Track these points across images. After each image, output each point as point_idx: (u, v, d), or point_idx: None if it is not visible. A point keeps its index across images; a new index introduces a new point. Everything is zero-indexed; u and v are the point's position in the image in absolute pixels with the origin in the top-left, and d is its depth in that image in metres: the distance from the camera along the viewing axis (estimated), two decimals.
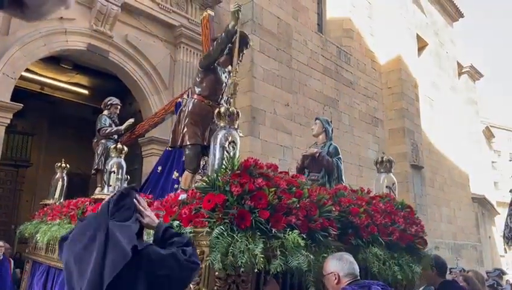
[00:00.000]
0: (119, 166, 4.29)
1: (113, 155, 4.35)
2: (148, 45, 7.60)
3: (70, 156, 11.27)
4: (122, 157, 4.42)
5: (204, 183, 2.44)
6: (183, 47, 7.95)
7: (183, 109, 3.82)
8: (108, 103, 5.90)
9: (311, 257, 2.34)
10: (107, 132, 5.55)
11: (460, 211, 15.73)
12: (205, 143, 3.65)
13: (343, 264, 2.25)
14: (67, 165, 5.90)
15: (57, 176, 5.81)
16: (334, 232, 2.67)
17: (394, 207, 3.48)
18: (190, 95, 3.94)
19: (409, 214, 3.58)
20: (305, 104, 9.99)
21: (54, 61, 7.77)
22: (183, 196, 2.66)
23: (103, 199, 3.71)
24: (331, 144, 4.57)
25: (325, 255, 2.48)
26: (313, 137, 4.79)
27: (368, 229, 3.03)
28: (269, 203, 2.34)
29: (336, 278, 2.22)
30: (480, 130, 21.68)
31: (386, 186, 4.01)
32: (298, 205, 2.49)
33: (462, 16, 18.32)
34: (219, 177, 2.39)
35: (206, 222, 2.27)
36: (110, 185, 4.14)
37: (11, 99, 6.07)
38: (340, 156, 4.54)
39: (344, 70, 11.53)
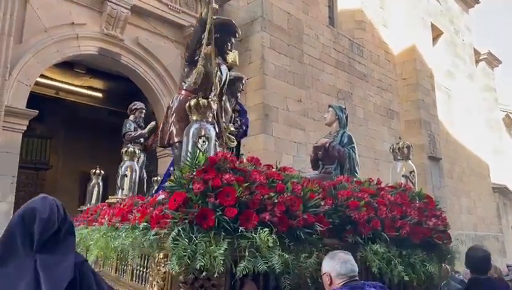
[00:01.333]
0: (132, 169, 4.33)
1: (125, 159, 4.40)
2: (159, 46, 7.64)
3: (87, 156, 11.49)
4: (135, 160, 4.47)
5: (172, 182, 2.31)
6: None
7: (170, 105, 3.65)
8: (133, 107, 6.08)
9: (286, 257, 2.16)
10: (131, 136, 5.72)
11: (480, 201, 15.45)
12: None
13: (335, 264, 2.09)
14: (102, 171, 5.79)
15: (93, 182, 5.72)
16: (321, 229, 2.46)
17: (409, 198, 3.17)
18: (177, 91, 3.77)
19: (427, 206, 3.23)
20: (318, 99, 9.91)
21: (68, 66, 7.89)
22: (161, 197, 2.56)
23: (115, 203, 3.77)
24: (344, 133, 4.28)
25: (306, 254, 2.31)
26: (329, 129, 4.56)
27: (370, 224, 2.76)
28: (238, 199, 2.18)
29: (328, 279, 2.09)
30: (500, 117, 21.17)
31: (403, 175, 3.72)
32: (276, 201, 2.30)
33: (477, 1, 17.88)
34: (183, 175, 2.26)
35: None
36: (123, 189, 4.18)
37: (28, 105, 6.19)
38: (354, 145, 4.24)
39: (357, 63, 11.40)
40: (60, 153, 12.44)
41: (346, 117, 4.44)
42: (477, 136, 16.30)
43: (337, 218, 2.69)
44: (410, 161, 3.84)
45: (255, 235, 2.12)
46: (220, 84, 3.74)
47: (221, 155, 2.36)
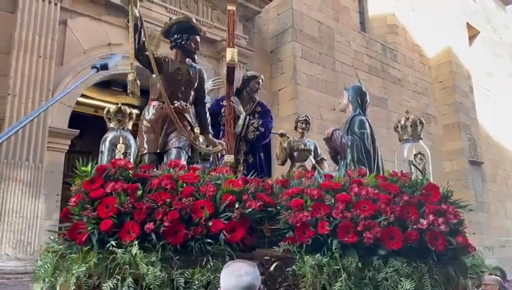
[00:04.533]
0: None
1: None
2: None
3: None
4: None
5: None
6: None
7: (141, 117, 3.50)
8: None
9: (158, 274, 1.88)
10: None
11: None
12: (158, 150, 3.29)
13: (222, 277, 1.62)
14: None
15: None
16: (226, 237, 2.07)
17: (399, 190, 2.40)
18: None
19: (428, 198, 2.37)
20: None
21: (105, 85, 8.12)
22: None
23: None
24: (353, 117, 3.58)
25: (200, 269, 1.98)
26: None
27: (316, 228, 2.18)
28: (119, 210, 2.03)
29: None
30: None
31: (406, 160, 2.95)
32: (170, 209, 2.05)
33: None
34: (72, 187, 2.18)
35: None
36: None
37: (69, 124, 6.41)
38: (364, 130, 3.48)
39: (391, 68, 11.20)
40: None
41: (362, 98, 3.70)
42: None
43: (283, 223, 2.27)
44: (421, 141, 3.03)
45: (118, 250, 1.92)
46: (191, 88, 3.55)
47: (114, 163, 2.24)
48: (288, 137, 5.05)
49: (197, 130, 3.43)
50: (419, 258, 2.21)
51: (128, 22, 3.18)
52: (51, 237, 2.21)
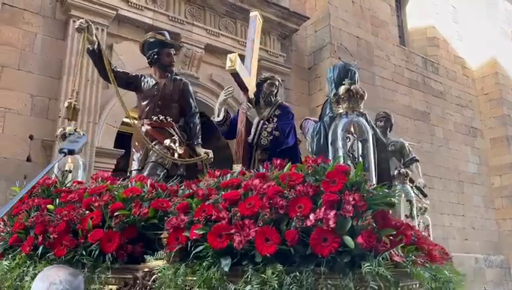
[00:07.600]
0: None
1: None
2: (232, 81, 7.85)
3: None
4: None
5: None
6: None
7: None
8: None
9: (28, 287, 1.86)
10: None
11: None
12: (140, 167, 3.47)
13: (33, 284, 1.42)
14: None
15: None
16: (102, 249, 2.00)
17: (303, 179, 1.89)
18: None
19: (330, 187, 1.78)
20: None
21: None
22: None
23: None
24: (326, 102, 2.99)
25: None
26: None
27: (188, 233, 1.91)
28: (25, 225, 2.20)
29: None
30: None
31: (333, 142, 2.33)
32: (62, 219, 2.10)
33: None
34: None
35: None
36: None
37: (114, 144, 6.64)
38: (332, 114, 2.72)
39: (432, 81, 10.94)
40: None
41: (344, 77, 2.82)
42: None
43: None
44: (362, 118, 2.39)
45: (4, 263, 2.09)
46: (172, 101, 3.61)
47: (44, 181, 2.42)
48: None
49: (167, 141, 3.44)
50: (312, 265, 1.71)
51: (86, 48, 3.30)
52: None
